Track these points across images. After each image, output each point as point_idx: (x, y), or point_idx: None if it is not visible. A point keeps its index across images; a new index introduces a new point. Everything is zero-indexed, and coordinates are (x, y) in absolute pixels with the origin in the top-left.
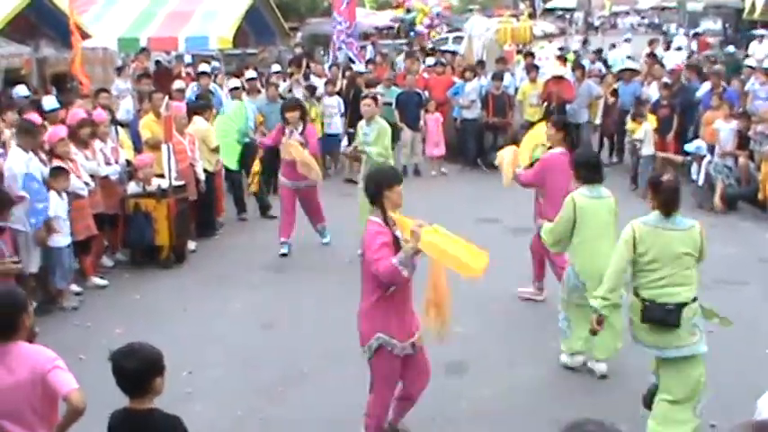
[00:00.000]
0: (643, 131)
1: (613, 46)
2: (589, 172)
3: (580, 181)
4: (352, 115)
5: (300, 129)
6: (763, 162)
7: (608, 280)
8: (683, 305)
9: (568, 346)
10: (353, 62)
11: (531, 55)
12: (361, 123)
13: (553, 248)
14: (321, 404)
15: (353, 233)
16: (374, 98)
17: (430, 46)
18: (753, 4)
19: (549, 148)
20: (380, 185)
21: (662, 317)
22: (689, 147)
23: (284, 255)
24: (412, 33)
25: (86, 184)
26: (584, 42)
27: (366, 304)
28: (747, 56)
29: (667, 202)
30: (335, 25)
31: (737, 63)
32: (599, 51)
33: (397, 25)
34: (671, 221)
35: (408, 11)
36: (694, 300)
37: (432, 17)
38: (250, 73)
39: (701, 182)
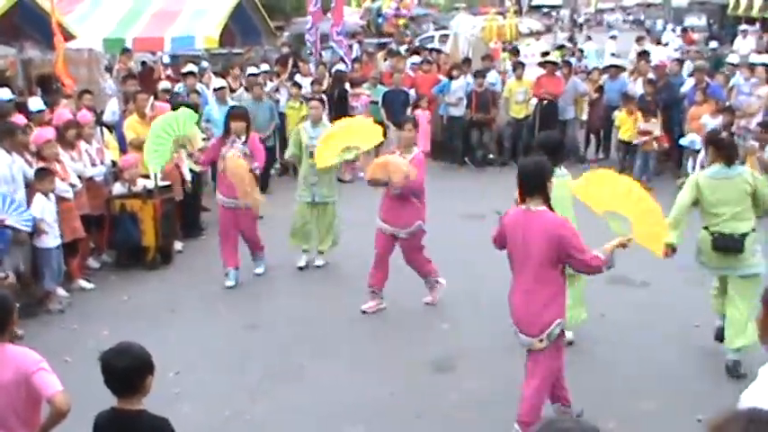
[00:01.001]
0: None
1: (589, 38)
2: (549, 154)
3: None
4: (337, 115)
5: (244, 139)
6: (748, 156)
7: (673, 211)
8: (745, 235)
9: None
10: (345, 61)
11: (516, 52)
12: (306, 125)
13: None
14: (308, 404)
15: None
16: (320, 100)
17: (416, 44)
18: (737, 0)
19: None
20: (546, 176)
21: (730, 245)
22: (683, 141)
23: (231, 287)
24: (380, 20)
25: (73, 185)
26: (571, 39)
27: (549, 292)
28: (732, 51)
29: (730, 156)
30: (318, 25)
31: (720, 59)
32: (580, 50)
33: (366, 21)
34: (732, 170)
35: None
36: (753, 230)
37: (397, 1)
38: (251, 69)
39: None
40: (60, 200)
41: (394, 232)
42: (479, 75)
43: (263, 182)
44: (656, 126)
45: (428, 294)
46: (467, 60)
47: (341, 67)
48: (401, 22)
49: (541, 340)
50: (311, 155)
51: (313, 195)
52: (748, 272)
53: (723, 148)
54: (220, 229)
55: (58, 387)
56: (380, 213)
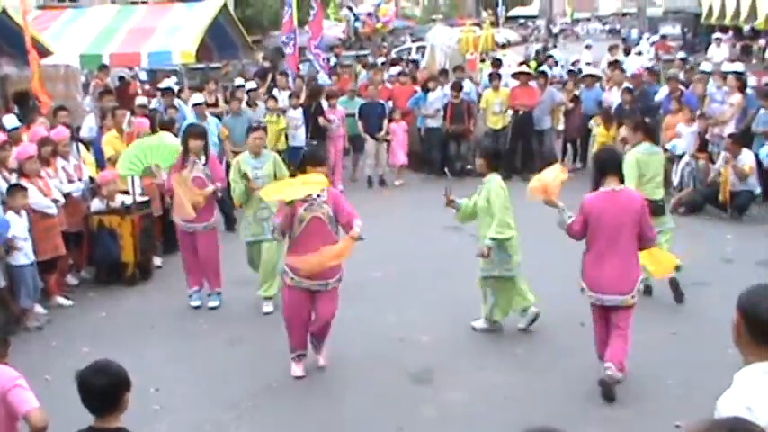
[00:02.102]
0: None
1: (554, 46)
2: (491, 161)
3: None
4: (314, 128)
5: (204, 160)
6: (724, 166)
7: (628, 180)
8: (662, 200)
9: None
10: (325, 74)
11: (498, 62)
12: (245, 158)
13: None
14: (290, 419)
15: None
16: (265, 129)
17: (393, 56)
18: (710, 9)
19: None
20: (619, 159)
21: (656, 209)
22: (667, 146)
23: (197, 307)
24: (357, 24)
25: (56, 201)
26: (545, 49)
27: (635, 256)
28: (706, 60)
29: (654, 136)
30: (298, 36)
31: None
32: (550, 56)
33: (345, 35)
34: (654, 147)
35: (350, 8)
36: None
37: (374, 6)
38: (250, 84)
39: (675, 182)
40: (43, 217)
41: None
42: (456, 86)
43: None
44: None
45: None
46: (443, 72)
47: (325, 79)
48: (378, 26)
49: (633, 296)
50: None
51: (266, 231)
52: (665, 228)
53: (649, 131)
54: (182, 252)
55: (34, 404)
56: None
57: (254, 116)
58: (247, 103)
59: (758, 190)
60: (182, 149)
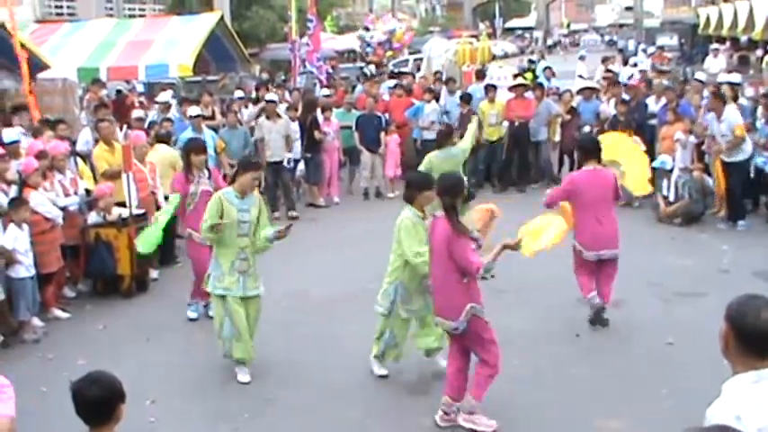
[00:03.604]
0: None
1: (542, 57)
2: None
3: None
4: (309, 141)
5: (207, 174)
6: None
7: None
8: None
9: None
10: (322, 86)
11: (483, 75)
12: (229, 196)
13: None
14: (286, 430)
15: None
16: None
17: (390, 69)
18: (707, 19)
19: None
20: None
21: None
22: (655, 163)
23: (194, 319)
24: (369, 49)
25: (64, 208)
26: (542, 59)
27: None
28: (702, 71)
29: (599, 156)
30: (298, 49)
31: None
32: (549, 67)
33: (358, 46)
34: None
35: (367, 29)
36: None
37: (387, 33)
38: (270, 95)
39: (671, 197)
40: (47, 230)
41: None
42: (465, 97)
43: None
44: (638, 143)
45: None
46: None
47: (324, 91)
48: (388, 54)
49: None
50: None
51: (243, 287)
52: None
53: (595, 151)
54: (195, 266)
55: (7, 412)
56: None
57: (273, 128)
58: (267, 117)
59: (756, 157)
60: (184, 165)
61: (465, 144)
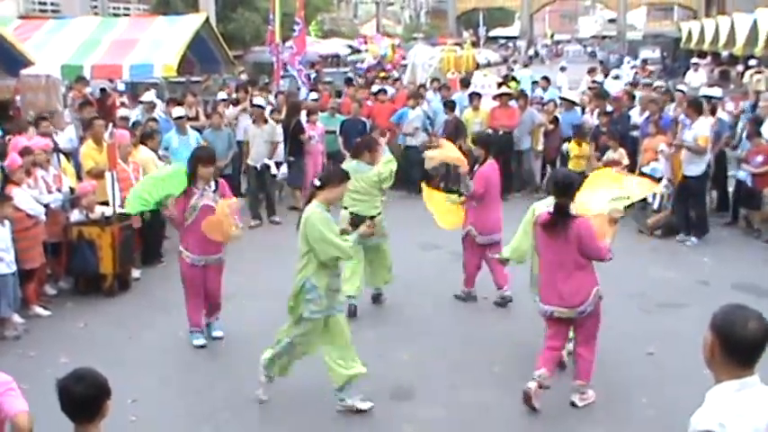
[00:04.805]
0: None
1: (525, 66)
2: None
3: None
4: (293, 144)
5: (214, 186)
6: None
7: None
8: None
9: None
10: (309, 90)
11: (467, 82)
12: (325, 211)
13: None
14: (267, 430)
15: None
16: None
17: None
18: (689, 34)
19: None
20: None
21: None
22: (645, 169)
23: (203, 346)
24: (360, 68)
25: (46, 205)
26: (525, 66)
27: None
28: (684, 84)
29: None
30: (280, 52)
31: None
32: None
33: (347, 53)
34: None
35: (358, 51)
36: None
37: (377, 57)
38: (258, 100)
39: (656, 205)
40: (30, 226)
41: None
42: (449, 104)
43: None
44: (622, 156)
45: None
46: (423, 87)
47: (314, 95)
48: (381, 75)
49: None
50: None
51: (336, 304)
52: None
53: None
54: (189, 289)
55: (23, 407)
56: None
57: (258, 133)
58: (253, 121)
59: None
60: (189, 175)
61: (382, 169)
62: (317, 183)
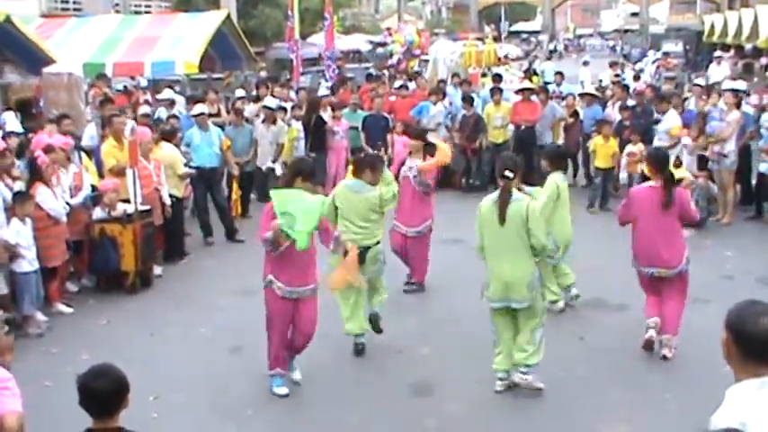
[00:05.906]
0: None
1: (548, 59)
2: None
3: None
4: (313, 140)
5: None
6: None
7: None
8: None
9: None
10: (322, 85)
11: (499, 77)
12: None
13: None
14: (289, 428)
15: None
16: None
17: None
18: (712, 27)
19: None
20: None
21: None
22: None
23: (285, 395)
24: (390, 64)
25: (69, 204)
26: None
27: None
28: (706, 77)
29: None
30: (299, 48)
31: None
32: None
33: (369, 48)
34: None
35: (384, 44)
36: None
37: (405, 45)
38: (269, 101)
39: None
40: (54, 223)
41: None
42: (467, 99)
43: (242, 207)
44: (641, 150)
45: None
46: (443, 82)
47: (324, 90)
48: (412, 63)
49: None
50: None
51: None
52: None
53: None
54: (273, 324)
55: (14, 407)
56: None
57: (266, 133)
58: (262, 121)
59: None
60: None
61: (384, 192)
62: (510, 175)
